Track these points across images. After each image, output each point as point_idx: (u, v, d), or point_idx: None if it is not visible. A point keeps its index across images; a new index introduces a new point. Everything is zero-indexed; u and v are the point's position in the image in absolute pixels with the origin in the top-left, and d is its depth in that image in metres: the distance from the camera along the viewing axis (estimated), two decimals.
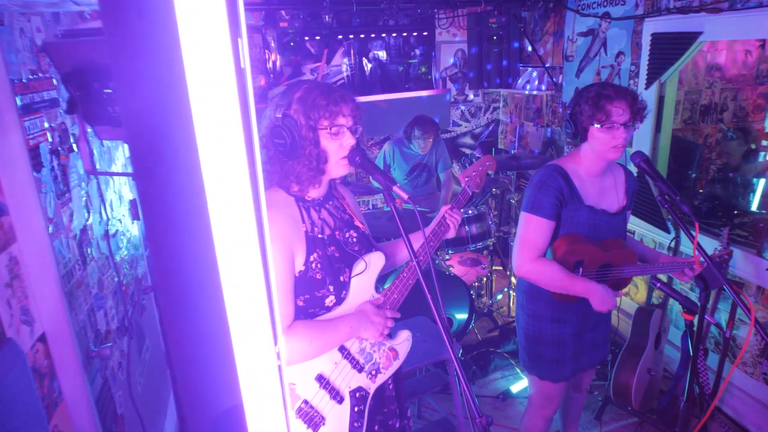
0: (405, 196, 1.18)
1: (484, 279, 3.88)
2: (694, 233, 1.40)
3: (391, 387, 1.52)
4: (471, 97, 4.76)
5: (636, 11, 3.05)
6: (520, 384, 2.94)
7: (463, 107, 4.77)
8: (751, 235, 2.83)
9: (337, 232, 1.39)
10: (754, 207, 3.21)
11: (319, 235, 1.33)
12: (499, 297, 3.82)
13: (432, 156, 3.76)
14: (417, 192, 3.85)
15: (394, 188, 1.20)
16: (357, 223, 1.49)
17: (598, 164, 1.76)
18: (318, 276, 1.30)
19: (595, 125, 1.64)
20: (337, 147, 1.28)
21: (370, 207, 4.62)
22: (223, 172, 0.46)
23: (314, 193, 1.36)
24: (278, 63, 4.02)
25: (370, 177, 1.34)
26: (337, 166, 1.31)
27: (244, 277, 0.48)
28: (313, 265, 1.29)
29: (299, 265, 1.28)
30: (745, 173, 3.37)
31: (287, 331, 1.22)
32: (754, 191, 3.26)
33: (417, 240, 1.56)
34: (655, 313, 2.53)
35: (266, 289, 0.75)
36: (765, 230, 2.60)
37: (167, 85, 0.44)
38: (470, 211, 3.27)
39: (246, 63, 0.72)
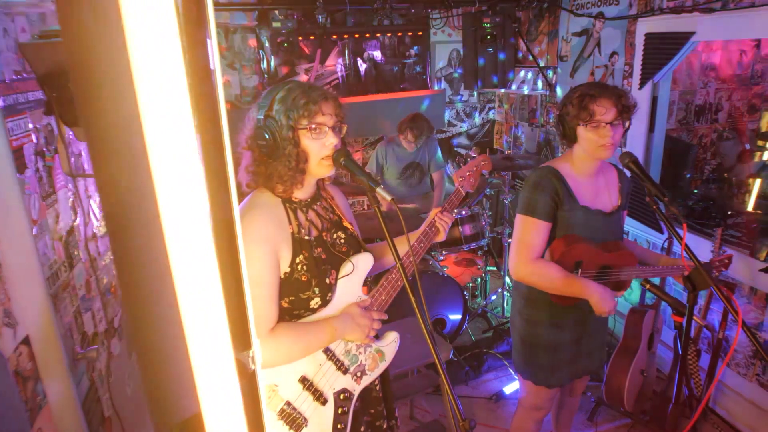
0: (388, 198, 1.18)
1: (479, 279, 3.87)
2: (685, 234, 1.40)
3: (378, 388, 1.51)
4: (466, 97, 4.75)
5: (629, 11, 3.04)
6: (513, 385, 2.94)
7: (458, 106, 4.76)
8: (745, 236, 2.83)
9: (324, 234, 1.38)
10: (747, 207, 3.21)
11: (306, 237, 1.32)
12: (494, 298, 3.81)
13: (424, 155, 3.76)
14: (412, 192, 3.84)
15: (378, 190, 1.19)
16: (346, 224, 1.48)
17: (589, 164, 1.75)
18: (303, 278, 1.29)
19: (581, 125, 1.63)
20: (318, 146, 1.27)
21: (365, 207, 4.61)
22: (175, 175, 0.45)
23: (300, 194, 1.36)
24: (273, 63, 4.01)
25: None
26: (320, 167, 1.30)
27: (200, 285, 0.47)
28: (299, 266, 1.29)
29: (284, 267, 1.28)
30: (739, 174, 3.36)
31: (270, 334, 1.21)
32: (747, 192, 3.26)
33: (406, 241, 1.55)
34: (648, 314, 2.52)
35: (226, 295, 0.74)
36: (758, 231, 2.60)
37: (119, 86, 0.43)
38: (463, 212, 3.26)
39: (216, 64, 0.72)
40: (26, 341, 1.41)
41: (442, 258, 3.59)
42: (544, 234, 1.71)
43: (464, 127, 4.85)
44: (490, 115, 4.90)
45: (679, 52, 2.73)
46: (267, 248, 1.22)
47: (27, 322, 1.41)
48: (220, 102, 0.72)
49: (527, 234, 1.71)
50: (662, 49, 2.82)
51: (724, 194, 3.38)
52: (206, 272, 0.47)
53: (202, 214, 0.46)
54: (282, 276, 1.28)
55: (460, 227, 3.26)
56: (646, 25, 2.92)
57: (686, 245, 1.40)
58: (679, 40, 2.70)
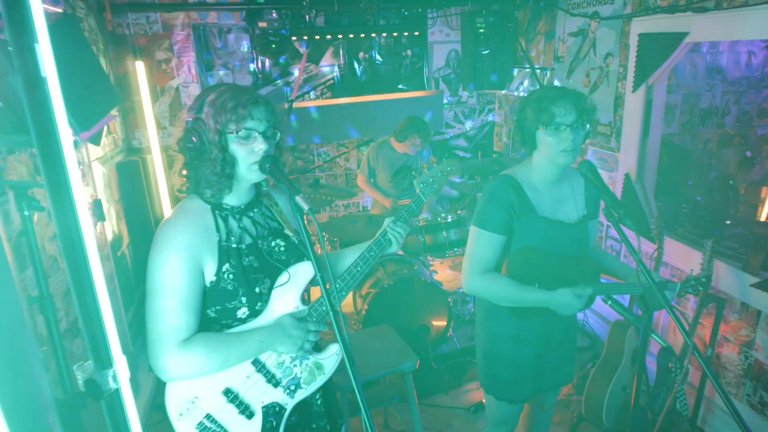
0: (305, 207, 1.13)
1: None
2: (639, 249, 1.31)
3: (320, 402, 1.46)
4: (464, 98, 4.66)
5: (624, 11, 2.92)
6: None
7: (456, 109, 4.68)
8: (742, 247, 2.68)
9: (260, 241, 1.34)
10: (761, 217, 3.02)
11: (234, 245, 1.28)
12: None
13: (417, 158, 3.69)
14: (404, 195, 3.77)
15: (297, 198, 1.14)
16: (288, 231, 1.43)
17: (550, 171, 1.66)
18: (230, 287, 1.25)
19: (541, 128, 1.55)
20: (246, 152, 1.23)
21: (360, 208, 4.57)
22: None
23: (233, 200, 1.31)
24: (267, 64, 4.00)
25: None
26: (249, 172, 1.26)
27: None
28: (225, 275, 1.24)
29: (210, 276, 1.24)
30: (740, 181, 3.20)
31: (182, 345, 1.17)
32: (747, 201, 3.09)
33: (355, 252, 1.49)
34: (631, 328, 2.41)
35: (83, 315, 0.70)
36: (753, 243, 2.46)
37: None
38: (449, 217, 3.19)
39: (49, 71, 0.67)
40: None
41: (431, 263, 3.52)
42: (497, 247, 1.63)
43: (463, 128, 4.76)
44: (489, 117, 4.80)
45: (673, 53, 2.60)
46: (184, 256, 1.18)
47: None
48: (54, 111, 0.67)
49: (478, 246, 1.64)
50: (656, 49, 2.70)
51: (727, 202, 3.20)
52: None
53: None
54: (208, 285, 1.24)
55: (444, 232, 3.18)
56: (640, 26, 2.80)
57: (641, 261, 1.32)
58: (672, 40, 2.57)
